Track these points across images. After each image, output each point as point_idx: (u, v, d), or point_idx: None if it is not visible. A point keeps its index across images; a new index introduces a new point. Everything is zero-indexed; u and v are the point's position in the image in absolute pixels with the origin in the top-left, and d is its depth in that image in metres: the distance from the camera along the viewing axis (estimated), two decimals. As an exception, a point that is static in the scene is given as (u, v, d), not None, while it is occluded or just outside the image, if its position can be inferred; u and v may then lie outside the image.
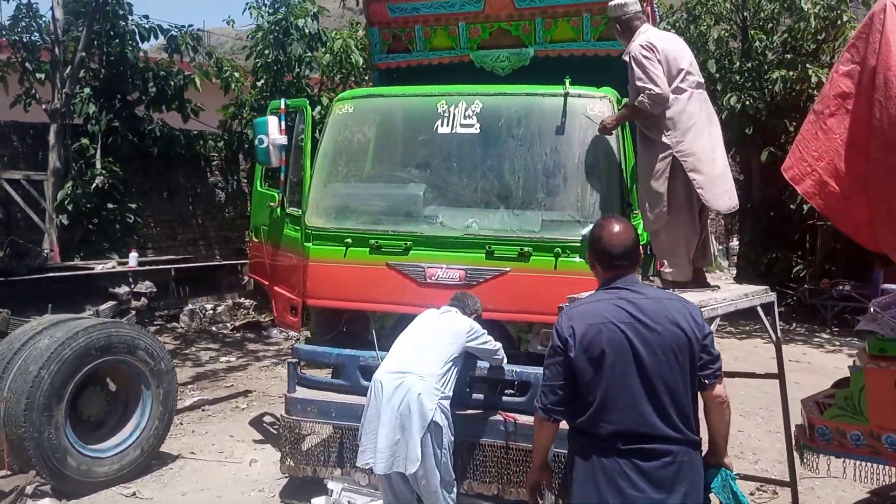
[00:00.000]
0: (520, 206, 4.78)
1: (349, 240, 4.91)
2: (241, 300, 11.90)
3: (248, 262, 7.27)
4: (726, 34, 12.76)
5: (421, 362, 4.06)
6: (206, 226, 12.11)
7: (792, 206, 12.04)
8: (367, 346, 4.99)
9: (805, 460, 4.06)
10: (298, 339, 6.26)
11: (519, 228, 4.69)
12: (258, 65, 11.08)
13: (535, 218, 4.72)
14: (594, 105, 4.77)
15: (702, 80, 4.43)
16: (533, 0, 5.83)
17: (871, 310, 4.05)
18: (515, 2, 5.86)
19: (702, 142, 4.24)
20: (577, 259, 4.53)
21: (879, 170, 3.25)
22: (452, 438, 4.13)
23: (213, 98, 11.64)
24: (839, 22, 10.16)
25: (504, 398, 4.65)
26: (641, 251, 3.72)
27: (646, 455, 2.58)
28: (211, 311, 11.47)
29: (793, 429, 4.40)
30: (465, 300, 4.48)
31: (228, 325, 11.41)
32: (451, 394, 4.13)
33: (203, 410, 7.19)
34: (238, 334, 11.06)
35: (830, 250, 12.69)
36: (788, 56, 12.09)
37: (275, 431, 6.60)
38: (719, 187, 4.26)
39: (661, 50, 4.27)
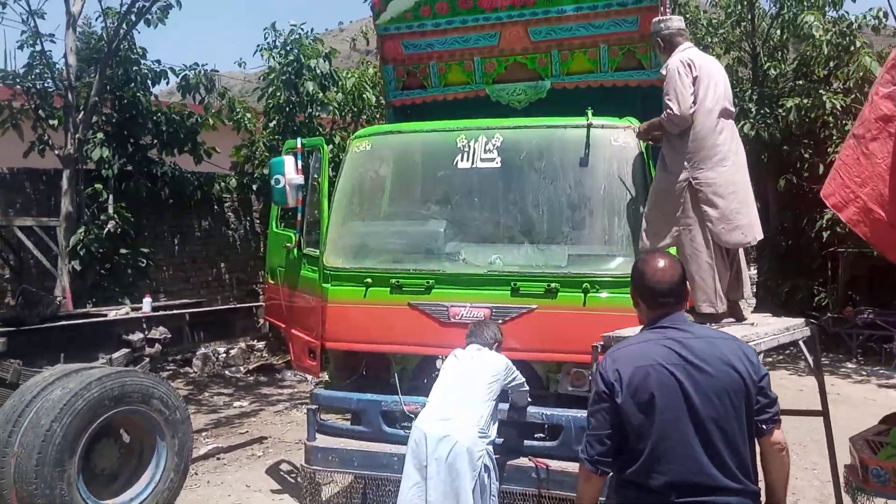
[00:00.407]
0: (545, 240, 4.64)
1: (369, 279, 4.77)
2: (254, 342, 11.74)
3: (263, 304, 7.14)
4: (736, 62, 12.71)
5: (463, 409, 3.90)
6: (219, 268, 12.01)
7: (811, 234, 11.85)
8: (388, 389, 4.81)
9: (858, 503, 3.82)
10: (318, 383, 6.07)
11: (545, 264, 4.54)
12: (270, 106, 11.08)
13: (562, 252, 4.57)
14: (618, 135, 4.64)
15: (733, 111, 4.30)
16: (549, 32, 5.79)
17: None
18: (531, 35, 5.81)
19: (722, 172, 4.08)
20: (606, 294, 4.37)
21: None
22: (499, 484, 3.96)
23: (226, 139, 11.64)
24: (852, 48, 10.08)
25: (534, 442, 4.45)
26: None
27: None
28: (224, 355, 11.31)
29: (840, 469, 4.17)
30: (483, 331, 4.30)
31: (242, 368, 11.23)
32: (495, 437, 3.97)
33: (218, 459, 6.99)
34: (251, 378, 10.87)
35: (852, 278, 12.45)
36: (800, 83, 12.01)
37: (293, 480, 6.39)
38: (732, 221, 4.08)
39: (698, 67, 4.16)
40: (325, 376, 5.71)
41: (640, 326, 4.15)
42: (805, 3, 11.61)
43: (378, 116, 11.49)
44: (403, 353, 4.80)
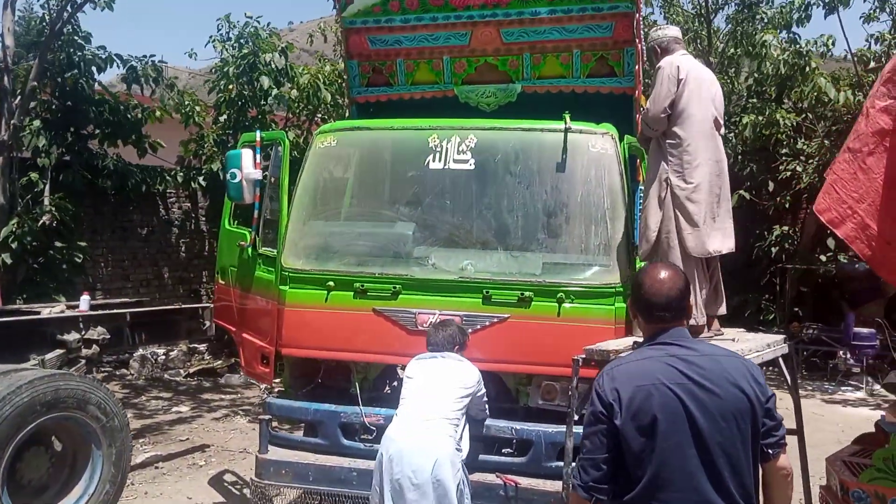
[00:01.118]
0: (519, 247, 4.46)
1: (331, 283, 4.49)
2: (196, 345, 11.24)
3: (210, 305, 6.77)
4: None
5: (438, 421, 3.67)
6: (160, 267, 11.46)
7: (761, 250, 12.04)
8: (347, 400, 4.54)
9: (836, 526, 3.72)
10: (271, 391, 5.74)
11: (518, 272, 4.35)
12: (221, 99, 10.65)
13: (536, 260, 4.39)
14: (596, 141, 4.49)
15: (721, 122, 4.22)
16: (521, 35, 5.61)
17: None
18: (503, 36, 5.63)
19: (698, 179, 4.03)
20: (581, 305, 4.20)
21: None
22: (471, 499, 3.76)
23: (172, 133, 11.15)
24: (807, 69, 10.26)
25: (501, 458, 4.24)
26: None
27: None
28: (163, 357, 10.78)
29: (815, 491, 4.10)
30: (439, 334, 4.04)
31: (182, 371, 10.73)
32: (467, 450, 3.76)
33: (156, 468, 6.57)
34: (192, 382, 10.40)
35: (799, 293, 12.67)
36: (753, 101, 12.21)
37: (237, 492, 6.04)
38: (702, 229, 4.03)
39: (686, 72, 4.11)
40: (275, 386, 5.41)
41: (616, 339, 4.04)
42: (759, 24, 11.81)
43: (334, 115, 11.17)
44: (366, 361, 4.53)
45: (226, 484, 6.23)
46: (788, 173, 11.16)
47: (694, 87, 4.08)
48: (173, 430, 7.84)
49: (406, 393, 3.87)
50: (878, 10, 10.47)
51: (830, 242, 12.32)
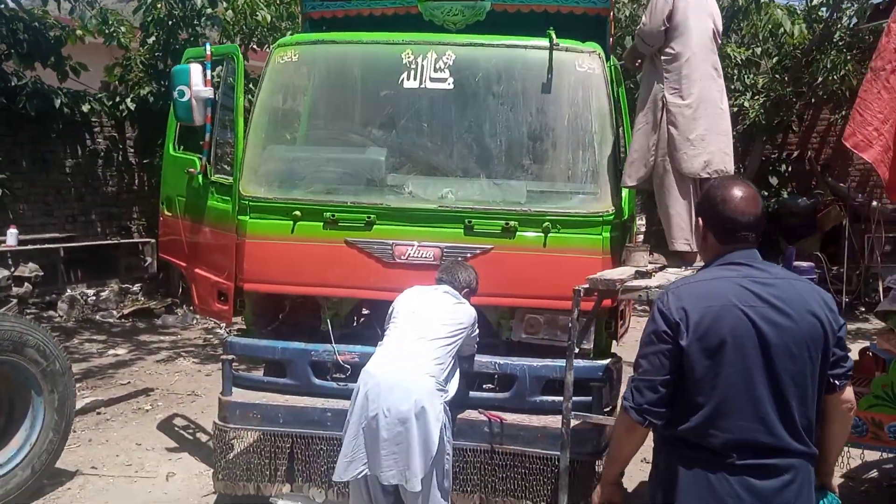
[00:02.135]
0: (502, 174, 4.17)
1: (297, 212, 4.11)
2: (129, 285, 10.62)
3: (152, 241, 6.27)
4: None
5: (422, 357, 3.42)
6: (86, 201, 10.67)
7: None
8: (316, 338, 4.24)
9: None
10: (228, 331, 5.38)
11: (502, 200, 4.08)
12: (149, 19, 9.80)
13: (520, 188, 4.12)
14: (583, 60, 4.20)
15: (719, 39, 4.03)
16: (494, -55, 5.21)
17: (892, 289, 3.74)
18: (474, -53, 5.22)
19: (696, 93, 3.85)
20: (568, 234, 3.99)
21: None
22: (452, 441, 3.55)
23: (94, 56, 10.24)
24: (762, 1, 10.10)
25: (483, 394, 4.06)
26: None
27: (765, 472, 2.06)
28: (94, 298, 10.16)
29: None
30: (458, 273, 3.80)
31: (115, 312, 10.15)
32: (453, 393, 3.53)
33: (99, 414, 6.16)
34: (127, 323, 9.86)
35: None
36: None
37: (190, 437, 5.72)
38: (696, 147, 3.86)
39: None
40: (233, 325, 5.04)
41: (613, 269, 3.86)
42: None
43: (271, 40, 10.47)
44: (339, 296, 4.22)
45: (176, 428, 5.89)
46: (736, 109, 11.14)
47: (692, 1, 3.88)
48: (113, 374, 7.39)
49: (393, 325, 3.59)
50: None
51: (773, 180, 12.53)
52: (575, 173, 4.13)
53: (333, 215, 4.07)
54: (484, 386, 4.12)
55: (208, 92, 4.51)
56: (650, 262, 3.81)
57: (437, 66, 4.21)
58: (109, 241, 6.86)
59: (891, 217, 11.75)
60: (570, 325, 3.40)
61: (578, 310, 3.31)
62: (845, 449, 3.45)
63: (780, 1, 10.56)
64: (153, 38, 9.97)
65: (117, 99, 10.21)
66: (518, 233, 3.99)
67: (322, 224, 4.09)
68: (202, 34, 10.16)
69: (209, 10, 9.67)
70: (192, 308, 8.89)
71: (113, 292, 10.32)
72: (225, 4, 10.02)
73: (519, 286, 4.00)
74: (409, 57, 4.24)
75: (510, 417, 3.88)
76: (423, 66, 4.22)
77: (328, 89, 4.61)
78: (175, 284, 10.51)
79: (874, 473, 4.94)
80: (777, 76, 10.68)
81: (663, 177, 3.85)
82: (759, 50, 11.21)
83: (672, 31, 3.86)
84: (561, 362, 3.85)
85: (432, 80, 4.20)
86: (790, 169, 12.69)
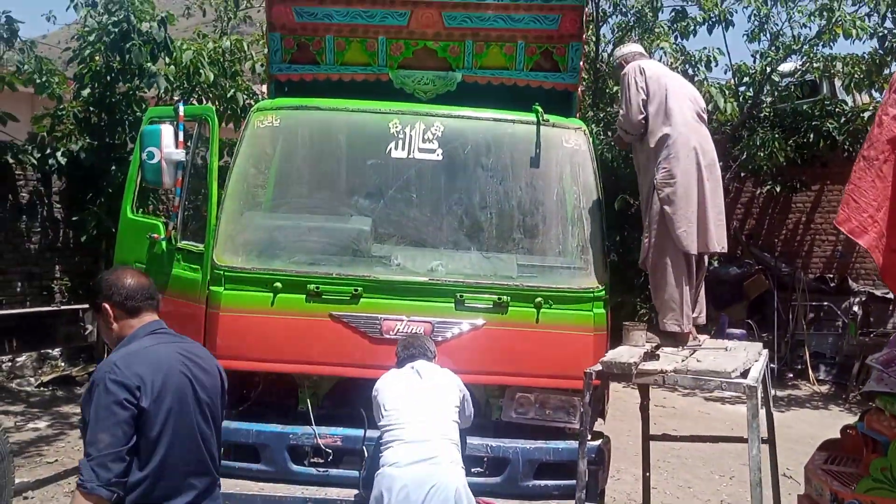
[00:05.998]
0: (492, 247, 4.10)
1: (278, 284, 3.90)
2: (48, 350, 9.86)
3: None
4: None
5: (442, 442, 3.25)
6: (5, 258, 9.95)
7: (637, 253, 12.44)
8: (290, 419, 3.98)
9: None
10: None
11: (494, 274, 3.99)
12: (85, 71, 9.40)
13: (511, 262, 4.06)
14: (570, 136, 4.25)
15: (704, 117, 4.13)
16: (464, 20, 5.25)
17: (874, 369, 3.81)
18: (445, 20, 5.23)
19: (682, 169, 3.93)
20: (559, 311, 3.93)
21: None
22: None
23: (18, 105, 9.73)
24: (696, 78, 10.62)
25: (474, 479, 3.86)
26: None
27: None
28: (9, 364, 9.37)
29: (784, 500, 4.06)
30: (425, 343, 3.71)
31: (32, 380, 9.38)
32: None
33: (26, 499, 5.57)
34: (46, 392, 9.11)
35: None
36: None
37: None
38: (695, 225, 3.93)
39: (651, 75, 4.06)
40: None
41: (614, 351, 3.79)
42: (647, 35, 12.12)
43: (211, 97, 10.24)
44: (322, 374, 3.98)
45: (115, 514, 5.37)
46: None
47: (666, 83, 4.06)
48: (36, 452, 6.75)
49: (391, 416, 3.39)
50: (758, 31, 11.03)
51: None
52: (565, 248, 4.12)
53: (318, 287, 3.88)
54: (472, 469, 3.94)
55: (180, 154, 4.30)
56: (647, 341, 3.78)
57: (426, 137, 4.16)
58: (49, 309, 6.34)
59: (813, 286, 12.37)
60: (580, 408, 3.30)
61: (590, 393, 3.21)
62: None
63: (713, 78, 11.11)
64: (87, 91, 9.55)
65: (47, 151, 9.67)
66: (510, 308, 3.90)
67: (305, 297, 3.89)
68: (140, 87, 9.83)
69: (150, 66, 9.36)
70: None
71: (31, 358, 9.55)
72: (168, 60, 9.73)
73: (511, 363, 3.89)
74: (396, 126, 4.17)
75: (501, 504, 3.72)
76: (410, 135, 4.15)
77: (311, 156, 4.48)
78: (100, 349, 9.85)
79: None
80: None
81: (656, 254, 3.85)
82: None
83: (654, 116, 3.98)
84: (555, 444, 3.77)
85: (421, 150, 4.13)
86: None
